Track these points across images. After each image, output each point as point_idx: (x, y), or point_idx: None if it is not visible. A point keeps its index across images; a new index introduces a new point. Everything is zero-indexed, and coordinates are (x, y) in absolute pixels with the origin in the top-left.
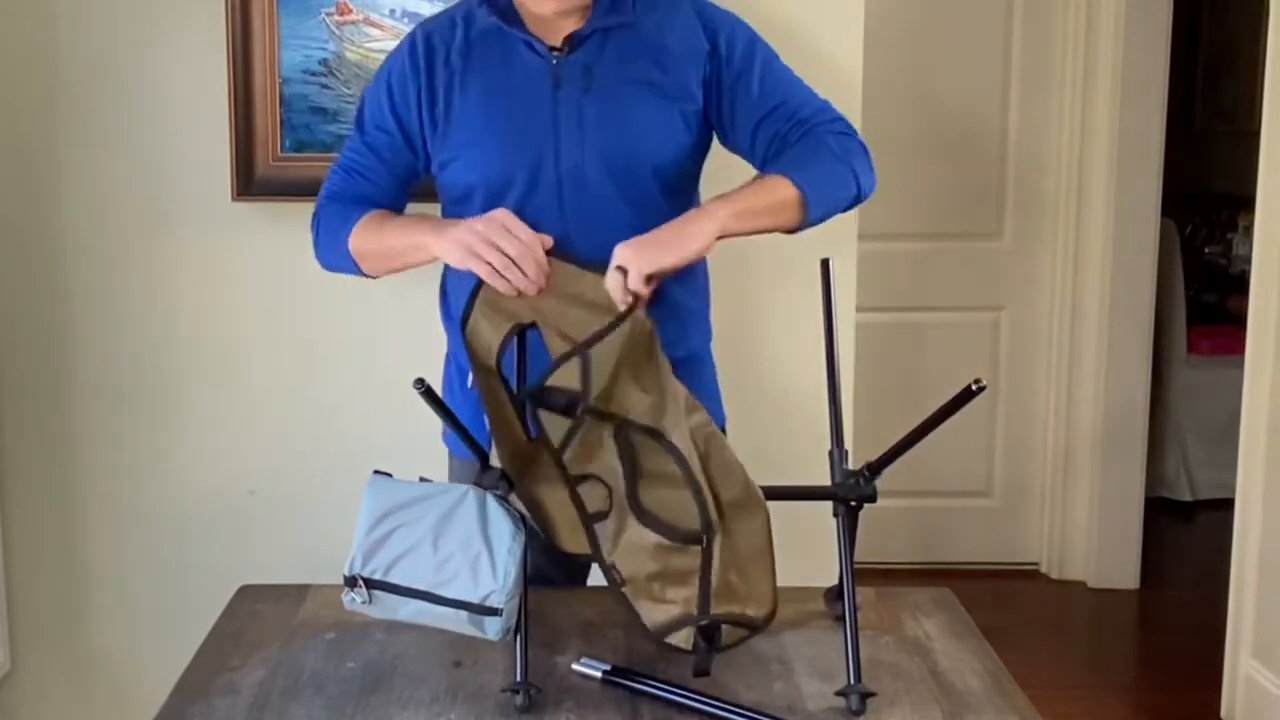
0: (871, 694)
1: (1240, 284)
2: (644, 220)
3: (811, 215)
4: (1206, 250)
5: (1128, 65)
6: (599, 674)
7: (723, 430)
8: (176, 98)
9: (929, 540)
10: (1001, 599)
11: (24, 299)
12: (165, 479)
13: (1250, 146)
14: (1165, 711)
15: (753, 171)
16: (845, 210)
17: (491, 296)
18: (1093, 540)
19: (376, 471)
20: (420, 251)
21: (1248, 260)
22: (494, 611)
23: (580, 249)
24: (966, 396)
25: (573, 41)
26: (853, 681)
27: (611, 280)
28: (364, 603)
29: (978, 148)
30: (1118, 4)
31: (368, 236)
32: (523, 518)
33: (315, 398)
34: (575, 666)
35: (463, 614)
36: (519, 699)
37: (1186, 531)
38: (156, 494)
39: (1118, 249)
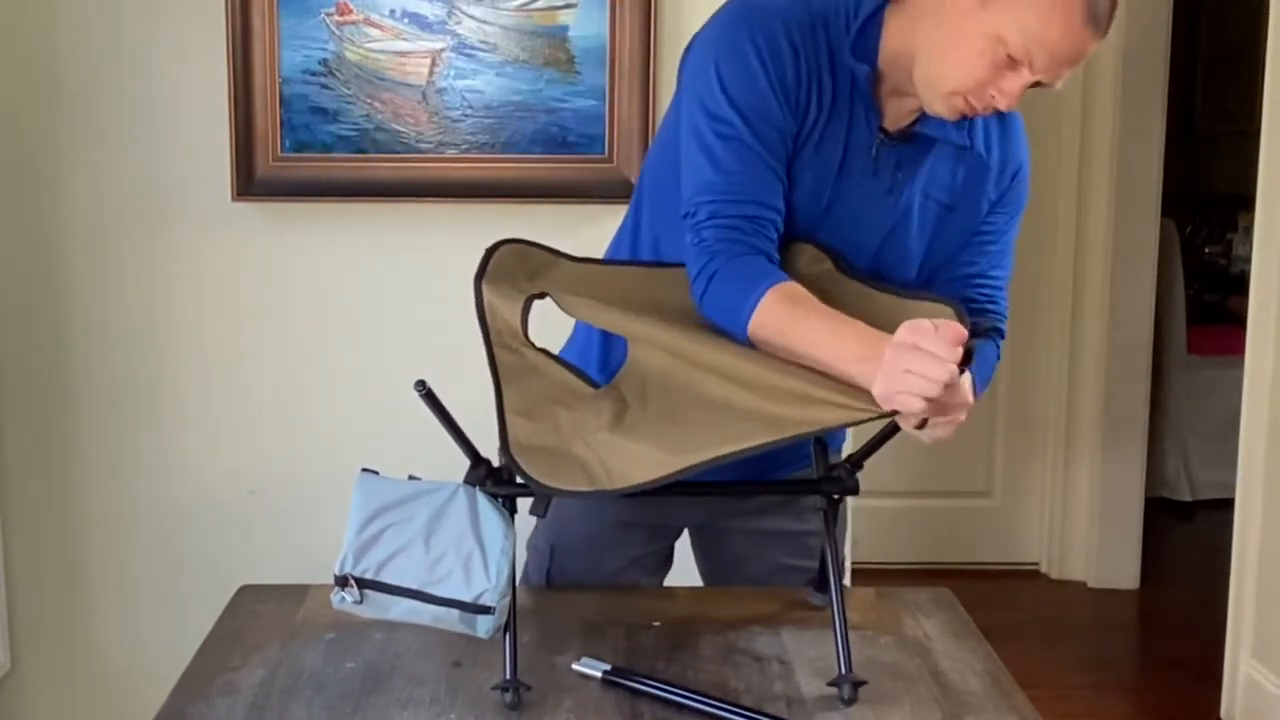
0: (862, 683)
1: (1240, 284)
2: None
3: None
4: (1206, 250)
5: (1128, 65)
6: (599, 674)
7: None
8: (177, 98)
9: (929, 540)
10: (1001, 599)
11: (24, 299)
12: (165, 479)
13: (1250, 146)
14: (1165, 711)
15: None
16: None
17: (494, 275)
18: (1093, 540)
19: (364, 469)
20: (842, 375)
21: (1248, 260)
22: (486, 610)
23: None
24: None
25: (902, 135)
26: (843, 672)
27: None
28: (355, 602)
29: None
30: (1118, 4)
31: (773, 328)
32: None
33: (315, 398)
34: (575, 666)
35: (454, 612)
36: (508, 696)
37: (1186, 531)
38: (156, 494)
39: (1118, 249)
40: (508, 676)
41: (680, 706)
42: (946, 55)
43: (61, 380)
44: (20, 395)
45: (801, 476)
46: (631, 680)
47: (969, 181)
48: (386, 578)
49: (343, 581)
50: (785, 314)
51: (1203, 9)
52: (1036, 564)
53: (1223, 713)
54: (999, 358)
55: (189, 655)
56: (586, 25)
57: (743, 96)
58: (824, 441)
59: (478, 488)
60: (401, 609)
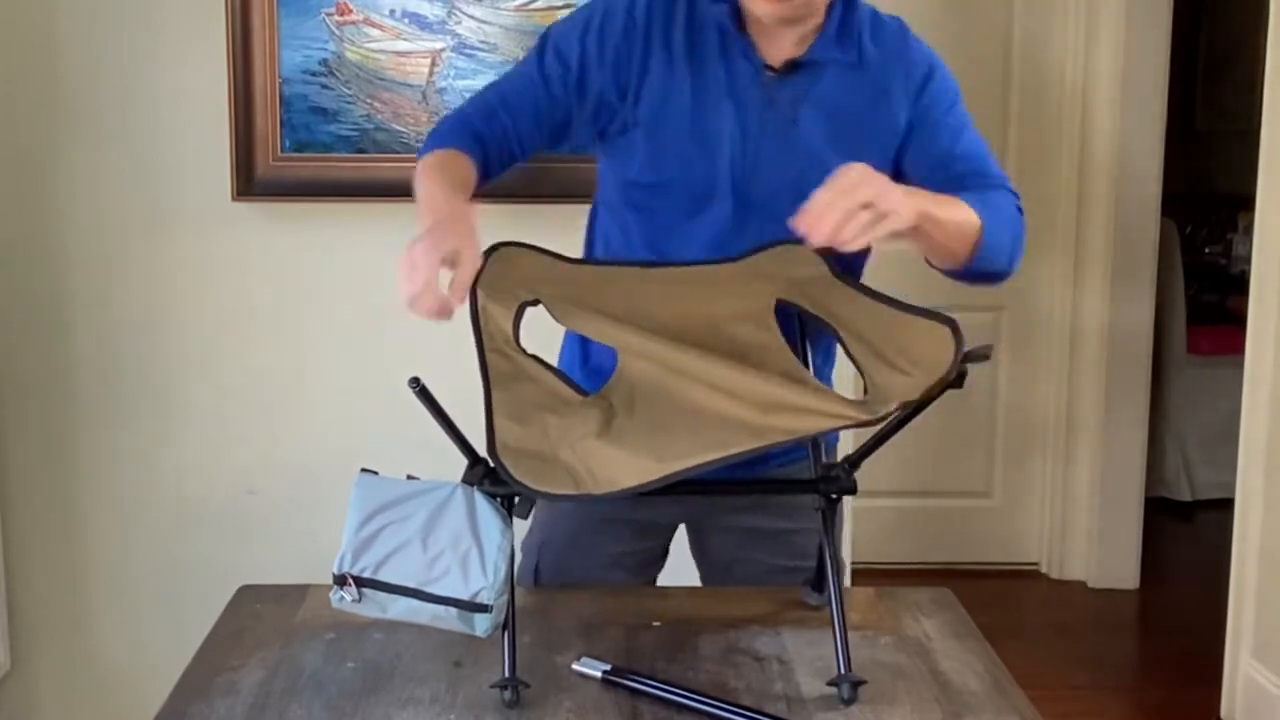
0: (862, 682)
1: (1240, 284)
2: None
3: (974, 263)
4: (1206, 250)
5: (1128, 65)
6: (599, 674)
7: None
8: (177, 98)
9: (929, 540)
10: (1001, 599)
11: (24, 299)
12: (165, 479)
13: (1250, 146)
14: (1165, 711)
15: None
16: (983, 278)
17: (488, 279)
18: (1093, 540)
19: (363, 470)
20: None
21: (1248, 260)
22: (484, 608)
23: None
24: (941, 386)
25: (791, 66)
26: (842, 671)
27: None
28: (354, 601)
29: None
30: (1118, 4)
31: (419, 176)
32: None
33: (315, 397)
34: (575, 666)
35: (452, 611)
36: (507, 695)
37: (1186, 531)
38: (156, 494)
39: (1118, 249)
40: (507, 675)
41: (680, 706)
42: None
43: (61, 380)
44: (20, 395)
45: (793, 473)
46: (631, 680)
47: (873, 96)
48: (384, 576)
49: (341, 580)
50: (438, 167)
51: (1203, 9)
52: (1036, 564)
53: (1223, 713)
54: (1021, 221)
55: (189, 655)
56: None
57: (557, 37)
58: (820, 442)
59: (476, 487)
60: (400, 608)
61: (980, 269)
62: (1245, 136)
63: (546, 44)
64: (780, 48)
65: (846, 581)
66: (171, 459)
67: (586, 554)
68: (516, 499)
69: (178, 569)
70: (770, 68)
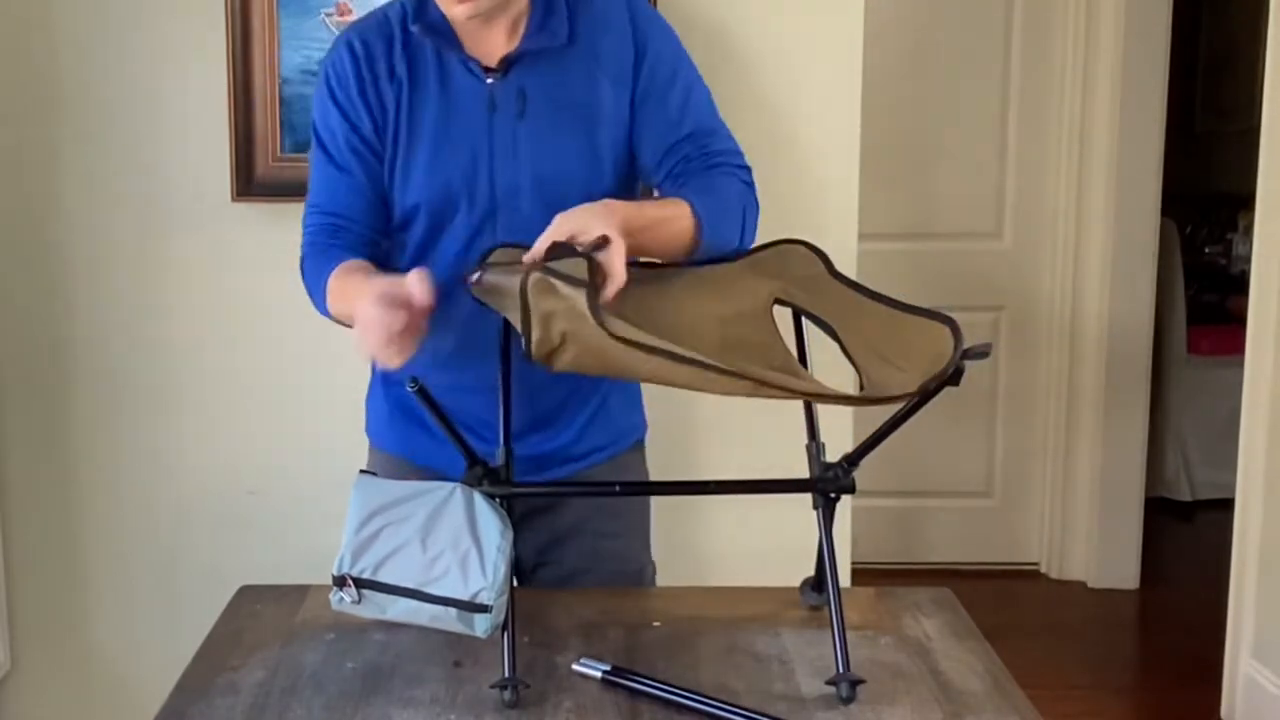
0: (860, 680)
1: (1240, 284)
2: None
3: (697, 255)
4: (1206, 250)
5: (1128, 65)
6: (599, 674)
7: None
8: (176, 98)
9: (929, 540)
10: (1001, 599)
11: (24, 299)
12: (165, 479)
13: (1250, 146)
14: (1165, 711)
15: None
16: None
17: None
18: (1093, 540)
19: (363, 471)
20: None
21: (1248, 260)
22: (484, 608)
23: None
24: (939, 382)
25: (507, 63)
26: (841, 670)
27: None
28: (353, 602)
29: (978, 148)
30: (1118, 4)
31: (334, 301)
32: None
33: (315, 397)
34: (575, 666)
35: (451, 611)
36: (507, 695)
37: (1186, 531)
38: (156, 494)
39: (1118, 249)
40: (507, 675)
41: (680, 706)
42: None
43: (61, 380)
44: (20, 395)
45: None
46: (631, 680)
47: (589, 73)
48: (384, 577)
49: (340, 582)
50: (339, 281)
51: (1203, 9)
52: (1036, 564)
53: (1223, 713)
54: (757, 208)
55: (188, 655)
56: None
57: (319, 121)
58: (819, 441)
59: (475, 488)
60: (400, 608)
61: (705, 258)
62: (1245, 136)
63: (318, 136)
64: (493, 46)
65: (845, 581)
66: (171, 459)
67: None
68: (528, 497)
69: (177, 569)
70: (488, 69)
